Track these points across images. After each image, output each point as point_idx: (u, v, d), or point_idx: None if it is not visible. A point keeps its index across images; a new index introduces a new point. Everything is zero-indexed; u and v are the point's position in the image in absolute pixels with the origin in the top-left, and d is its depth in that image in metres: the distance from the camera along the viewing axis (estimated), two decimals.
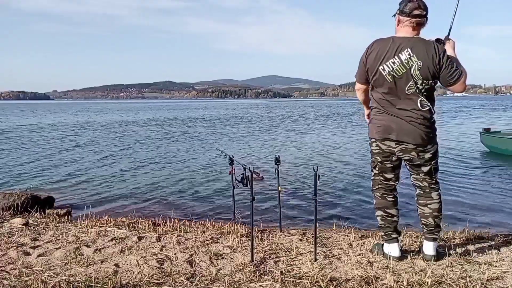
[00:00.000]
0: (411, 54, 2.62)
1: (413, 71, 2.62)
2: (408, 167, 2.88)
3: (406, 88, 2.65)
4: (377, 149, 2.82)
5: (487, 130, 12.87)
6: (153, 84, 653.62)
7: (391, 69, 2.64)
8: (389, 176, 2.86)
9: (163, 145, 15.58)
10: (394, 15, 2.80)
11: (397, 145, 2.73)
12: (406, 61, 2.62)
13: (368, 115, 3.00)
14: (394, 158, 2.81)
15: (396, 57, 2.63)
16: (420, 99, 2.66)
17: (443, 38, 2.84)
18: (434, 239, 2.85)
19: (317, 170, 2.86)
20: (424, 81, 2.64)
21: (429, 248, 2.84)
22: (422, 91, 2.66)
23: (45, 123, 30.44)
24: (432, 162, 2.78)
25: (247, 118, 35.52)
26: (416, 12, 2.66)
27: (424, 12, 2.68)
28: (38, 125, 28.12)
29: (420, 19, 2.68)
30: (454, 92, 3.06)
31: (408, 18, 2.68)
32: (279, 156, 3.72)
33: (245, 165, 3.10)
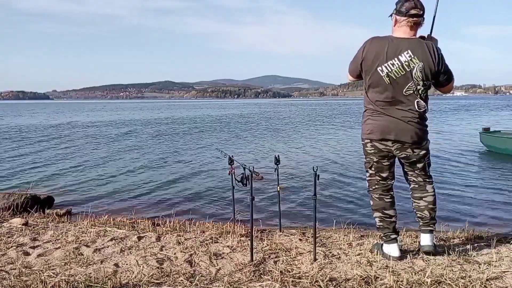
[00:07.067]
0: (412, 56, 2.62)
1: (414, 73, 2.62)
2: (403, 165, 2.91)
3: (405, 90, 2.66)
4: (372, 149, 2.82)
5: (486, 130, 12.87)
6: (153, 84, 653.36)
7: (390, 70, 2.64)
8: (385, 174, 2.88)
9: (163, 145, 15.57)
10: (391, 15, 2.80)
11: (393, 144, 2.74)
12: (406, 63, 2.62)
13: None
14: (390, 155, 2.83)
15: (396, 58, 2.63)
16: (417, 100, 2.68)
17: (425, 36, 2.81)
18: (431, 231, 2.88)
19: (316, 170, 2.86)
20: (425, 82, 2.65)
21: (426, 239, 2.88)
22: (421, 92, 2.67)
23: (45, 123, 30.42)
24: (425, 158, 2.83)
25: (247, 118, 35.51)
26: (413, 11, 2.66)
27: (421, 12, 2.67)
28: (38, 125, 28.10)
29: (417, 19, 2.67)
30: (443, 93, 3.08)
31: (405, 18, 2.67)
32: (278, 156, 3.72)
33: (245, 165, 3.10)
